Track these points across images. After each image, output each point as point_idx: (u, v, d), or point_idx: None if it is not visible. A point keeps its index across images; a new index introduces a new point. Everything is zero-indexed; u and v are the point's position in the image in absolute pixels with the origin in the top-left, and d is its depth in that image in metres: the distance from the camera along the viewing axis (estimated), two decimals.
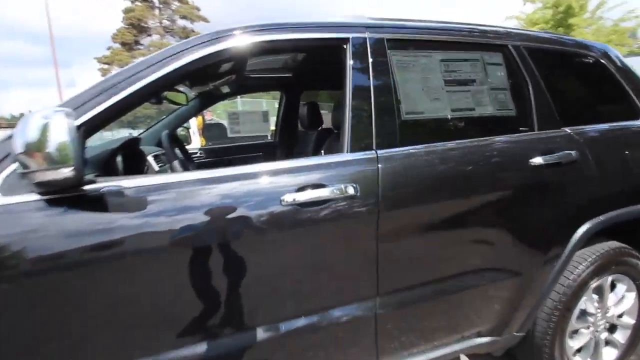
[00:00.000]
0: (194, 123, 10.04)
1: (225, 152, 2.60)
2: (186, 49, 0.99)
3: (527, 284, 1.29)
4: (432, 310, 1.19)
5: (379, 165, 1.06)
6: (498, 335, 1.33)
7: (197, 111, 2.38)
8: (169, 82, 0.99)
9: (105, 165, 1.16)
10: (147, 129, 2.20)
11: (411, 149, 1.13)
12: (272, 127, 2.87)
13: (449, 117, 1.24)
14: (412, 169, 1.10)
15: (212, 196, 0.94)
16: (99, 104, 0.92)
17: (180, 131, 2.74)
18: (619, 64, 1.60)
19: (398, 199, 1.07)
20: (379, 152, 1.09)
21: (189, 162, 1.50)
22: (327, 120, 2.25)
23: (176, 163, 1.14)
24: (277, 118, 2.68)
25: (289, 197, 0.96)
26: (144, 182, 0.93)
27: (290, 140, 2.61)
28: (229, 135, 2.62)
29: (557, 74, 1.48)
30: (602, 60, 1.58)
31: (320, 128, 2.28)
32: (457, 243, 1.17)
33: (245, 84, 2.34)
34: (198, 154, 2.52)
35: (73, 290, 0.85)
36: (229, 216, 0.94)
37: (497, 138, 1.25)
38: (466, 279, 1.20)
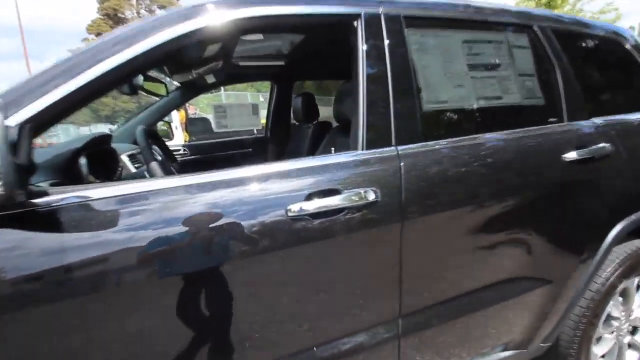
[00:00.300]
0: (177, 117, 9.64)
1: (211, 149, 2.38)
2: (155, 26, 0.79)
3: (558, 292, 1.17)
4: (458, 327, 1.04)
5: (401, 164, 0.90)
6: (524, 347, 1.20)
7: (180, 103, 2.15)
8: (137, 66, 0.78)
9: (67, 170, 0.94)
10: (123, 124, 1.96)
11: (435, 144, 0.96)
12: (262, 121, 2.65)
13: (475, 107, 1.08)
14: (438, 168, 0.94)
15: (202, 207, 0.75)
16: (50, 93, 0.71)
17: (161, 126, 2.51)
18: None
19: (423, 202, 0.91)
20: (400, 148, 0.92)
21: (170, 162, 1.29)
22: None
23: (155, 165, 0.94)
24: (268, 111, 2.47)
25: (296, 207, 0.78)
26: (114, 191, 0.73)
27: (283, 135, 2.41)
28: (215, 130, 2.39)
29: (583, 58, 1.35)
30: (626, 45, 1.45)
31: (315, 121, 2.10)
32: (489, 250, 1.03)
33: (232, 73, 2.12)
34: (182, 151, 2.29)
35: (14, 336, 0.65)
36: (224, 232, 0.75)
37: (529, 130, 1.10)
38: (496, 291, 1.06)
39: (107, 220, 0.70)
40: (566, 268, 1.16)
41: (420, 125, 0.97)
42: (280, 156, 2.32)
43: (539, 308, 1.16)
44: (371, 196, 0.82)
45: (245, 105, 2.46)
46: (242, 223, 0.75)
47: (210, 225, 0.74)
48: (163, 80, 1.58)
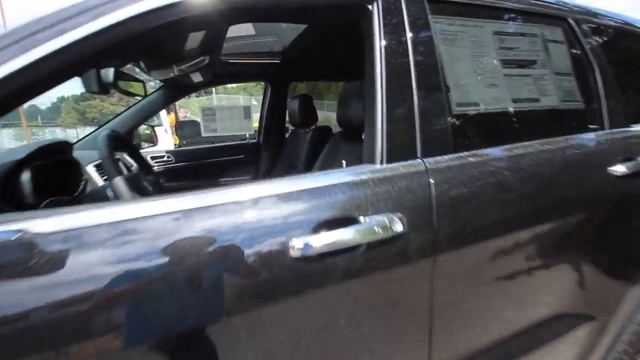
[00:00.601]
0: (167, 120, 9.35)
1: (199, 155, 2.17)
2: None
3: (601, 328, 1.00)
4: None
5: (431, 181, 0.71)
6: None
7: (163, 105, 1.94)
8: (107, 42, 0.59)
9: (3, 189, 0.73)
10: (95, 130, 1.74)
11: (469, 156, 0.79)
12: (255, 124, 2.45)
13: (511, 110, 0.91)
14: (473, 185, 0.76)
15: (175, 246, 0.55)
16: None
17: (144, 130, 2.30)
18: None
19: (458, 229, 0.72)
20: (427, 161, 0.74)
21: (145, 174, 1.09)
22: None
23: (119, 181, 0.74)
24: (262, 114, 2.27)
25: (299, 243, 0.58)
26: (57, 223, 0.53)
27: (278, 140, 2.21)
28: (204, 134, 2.18)
29: (621, 57, 1.19)
30: None
31: (314, 126, 1.91)
32: (530, 285, 0.85)
33: (222, 72, 1.92)
34: (165, 158, 2.07)
35: None
36: (205, 279, 0.55)
37: (571, 139, 0.94)
38: (534, 334, 0.88)
39: (47, 262, 0.50)
40: (612, 299, 1.00)
41: (450, 132, 0.79)
42: (274, 163, 2.13)
43: (580, 348, 0.99)
44: (398, 226, 0.64)
45: (237, 108, 2.25)
46: (230, 266, 0.56)
47: (187, 271, 0.55)
48: (140, 78, 1.37)
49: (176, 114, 9.83)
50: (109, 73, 1.14)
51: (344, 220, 0.62)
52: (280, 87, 2.19)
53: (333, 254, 0.59)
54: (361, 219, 0.63)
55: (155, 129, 2.50)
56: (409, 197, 0.68)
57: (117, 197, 0.78)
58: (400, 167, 0.72)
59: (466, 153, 0.79)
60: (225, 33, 1.10)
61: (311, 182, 0.65)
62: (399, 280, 0.66)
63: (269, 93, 2.20)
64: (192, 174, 2.10)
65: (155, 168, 2.02)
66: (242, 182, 0.63)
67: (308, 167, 1.76)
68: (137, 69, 1.36)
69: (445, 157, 0.76)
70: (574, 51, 1.05)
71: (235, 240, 0.56)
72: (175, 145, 8.66)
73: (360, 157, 1.17)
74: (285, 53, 1.86)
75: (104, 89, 1.19)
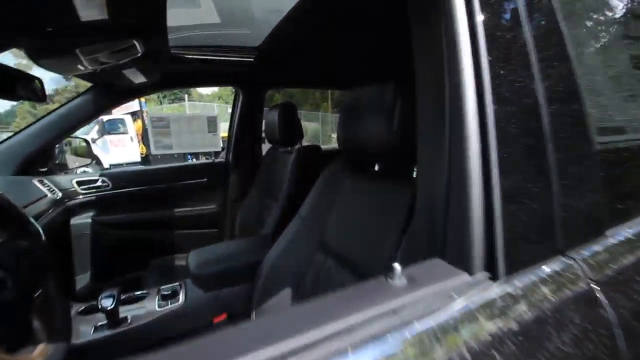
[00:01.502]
0: (132, 128, 8.57)
1: (147, 179, 1.66)
2: None
3: None
4: None
5: (609, 312, 0.30)
6: None
7: (95, 112, 1.43)
8: None
9: None
10: (4, 140, 1.21)
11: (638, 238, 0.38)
12: (224, 134, 1.99)
13: None
14: None
15: None
16: None
17: (79, 143, 1.80)
18: None
19: None
20: (580, 258, 0.33)
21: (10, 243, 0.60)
22: None
23: None
24: (231, 127, 1.81)
25: None
26: None
27: (251, 161, 1.76)
28: (153, 152, 1.65)
29: None
30: None
31: (298, 145, 1.48)
32: None
33: (175, 72, 1.45)
34: (100, 183, 1.55)
35: None
36: None
37: None
38: None
39: None
40: None
41: (600, 188, 0.38)
42: (246, 190, 1.67)
43: None
44: None
45: (197, 119, 1.77)
46: None
47: None
48: (32, 75, 0.87)
49: (143, 121, 9.05)
50: None
51: None
52: (255, 93, 1.74)
53: None
54: None
55: (96, 141, 1.96)
56: None
57: None
58: (538, 281, 0.30)
59: (630, 231, 0.39)
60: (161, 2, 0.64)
61: None
62: None
63: (240, 101, 1.74)
64: (135, 204, 1.59)
65: (81, 197, 1.49)
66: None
67: (291, 200, 1.33)
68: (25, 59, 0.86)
69: (607, 243, 0.36)
70: None
71: None
72: (141, 154, 7.90)
73: (377, 206, 0.72)
74: (262, 50, 1.42)
75: None
